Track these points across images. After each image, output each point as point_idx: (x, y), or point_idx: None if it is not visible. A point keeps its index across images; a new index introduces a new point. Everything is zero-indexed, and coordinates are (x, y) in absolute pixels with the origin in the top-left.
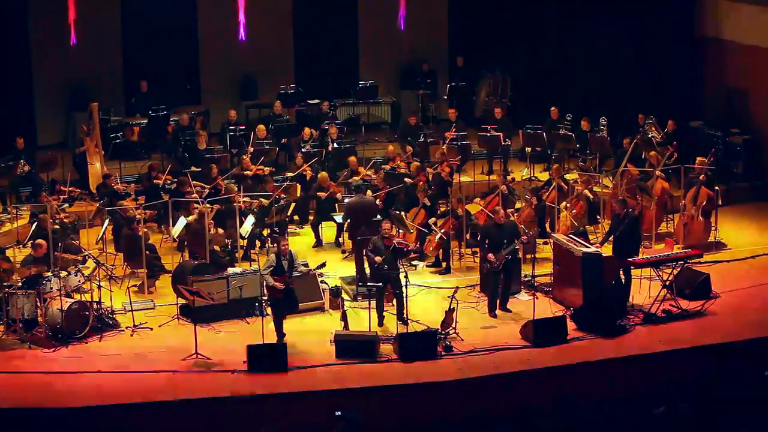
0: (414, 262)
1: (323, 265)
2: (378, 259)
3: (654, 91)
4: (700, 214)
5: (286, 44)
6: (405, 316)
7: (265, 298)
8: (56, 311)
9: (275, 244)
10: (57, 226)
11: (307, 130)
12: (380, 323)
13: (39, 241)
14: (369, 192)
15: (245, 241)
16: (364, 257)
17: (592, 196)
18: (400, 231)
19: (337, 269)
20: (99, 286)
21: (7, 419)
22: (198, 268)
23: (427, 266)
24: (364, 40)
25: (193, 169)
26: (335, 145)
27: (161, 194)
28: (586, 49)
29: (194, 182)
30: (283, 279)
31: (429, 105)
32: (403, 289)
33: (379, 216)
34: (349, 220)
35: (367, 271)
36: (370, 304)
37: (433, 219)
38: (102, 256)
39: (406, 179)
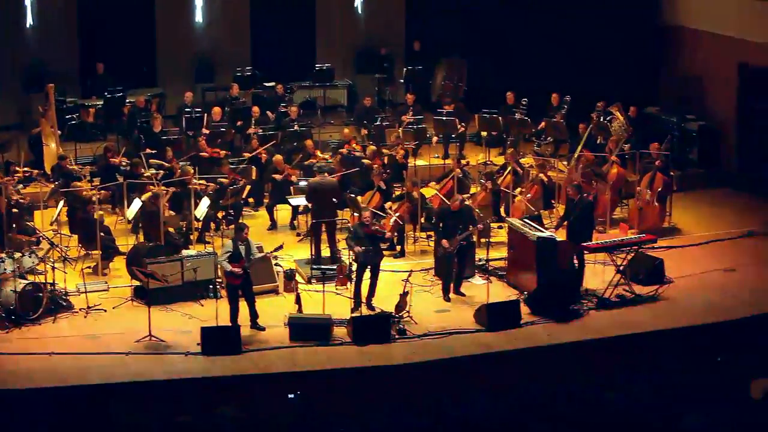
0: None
1: (281, 247)
2: (357, 248)
3: (611, 77)
4: (656, 199)
5: (243, 27)
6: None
7: (219, 280)
8: (10, 292)
9: (238, 231)
10: (15, 210)
11: (256, 109)
12: (355, 307)
13: None
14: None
15: (200, 223)
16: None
17: (547, 181)
18: (355, 214)
19: (292, 252)
20: (53, 268)
21: None
22: (152, 250)
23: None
24: (321, 23)
25: (149, 151)
26: (296, 126)
27: (116, 176)
28: (545, 34)
29: (153, 160)
30: (240, 265)
31: (385, 89)
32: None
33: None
34: (311, 202)
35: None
36: (324, 287)
37: (389, 203)
38: (56, 237)
39: (361, 162)
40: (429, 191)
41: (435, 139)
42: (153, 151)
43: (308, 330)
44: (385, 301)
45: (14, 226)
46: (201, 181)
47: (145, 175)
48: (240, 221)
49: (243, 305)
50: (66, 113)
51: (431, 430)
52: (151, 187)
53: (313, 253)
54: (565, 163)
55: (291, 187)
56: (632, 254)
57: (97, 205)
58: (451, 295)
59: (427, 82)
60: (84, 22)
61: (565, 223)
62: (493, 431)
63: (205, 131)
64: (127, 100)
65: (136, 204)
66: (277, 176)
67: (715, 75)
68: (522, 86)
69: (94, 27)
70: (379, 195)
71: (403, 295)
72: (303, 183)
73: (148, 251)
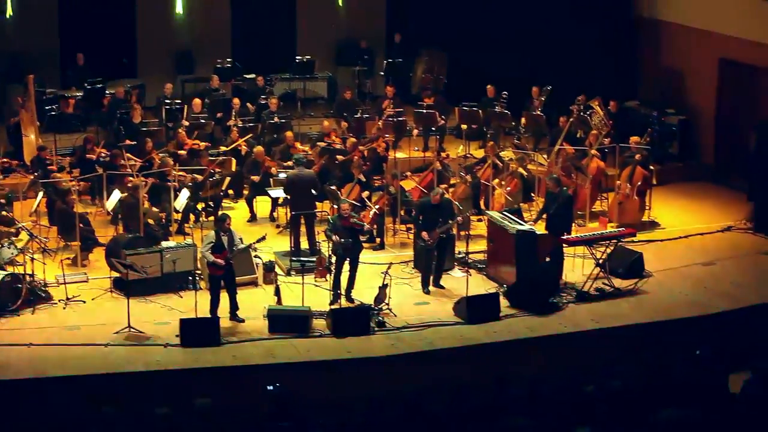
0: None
1: (263, 238)
2: (335, 238)
3: (591, 71)
4: (635, 193)
5: (224, 18)
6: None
7: (199, 272)
8: None
9: (220, 222)
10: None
11: (236, 101)
12: (334, 300)
13: None
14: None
15: (179, 215)
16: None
17: (526, 174)
18: (335, 206)
19: (271, 244)
20: (32, 259)
21: None
22: (132, 241)
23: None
24: (301, 15)
25: (128, 142)
26: (276, 119)
27: (96, 167)
28: (525, 27)
29: (129, 155)
30: (223, 256)
31: (365, 81)
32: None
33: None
34: (289, 195)
35: (304, 246)
36: (303, 279)
37: (367, 192)
38: (35, 228)
39: (341, 155)
40: (409, 184)
41: (415, 131)
42: (132, 143)
43: (287, 322)
44: (364, 293)
45: None
46: (180, 173)
47: (124, 165)
48: (221, 213)
49: (223, 297)
50: (46, 104)
51: (410, 422)
52: (131, 178)
53: (292, 245)
54: (545, 156)
55: (271, 179)
56: (612, 248)
57: (76, 197)
58: (431, 287)
59: (407, 75)
60: (64, 12)
61: (545, 216)
62: (473, 424)
63: (185, 123)
64: (107, 91)
65: (116, 195)
66: (255, 178)
67: (696, 70)
68: (502, 79)
69: (75, 18)
70: (358, 187)
71: (383, 288)
72: (282, 175)
73: (128, 243)
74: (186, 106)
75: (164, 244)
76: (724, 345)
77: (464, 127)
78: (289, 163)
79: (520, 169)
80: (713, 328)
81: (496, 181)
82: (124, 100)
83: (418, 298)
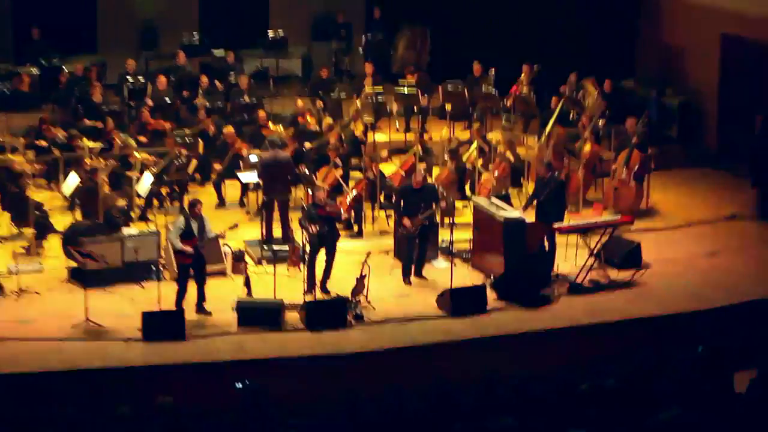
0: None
1: (236, 225)
2: (312, 228)
3: (584, 47)
4: (632, 178)
5: None
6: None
7: (163, 261)
8: None
9: (191, 207)
10: None
11: (204, 79)
12: (309, 291)
13: None
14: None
15: (142, 200)
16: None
17: (515, 158)
18: (310, 191)
19: (241, 232)
20: None
21: None
22: (90, 228)
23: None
24: None
25: (87, 122)
26: (246, 98)
27: (52, 149)
28: (514, 1)
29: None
30: (193, 243)
31: (343, 58)
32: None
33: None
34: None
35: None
36: (275, 269)
37: (340, 171)
38: None
39: (316, 137)
40: (389, 167)
41: (396, 111)
42: (92, 123)
43: (258, 315)
44: (341, 284)
45: None
46: (143, 155)
47: (83, 147)
48: (192, 197)
49: (190, 287)
50: None
51: (390, 423)
52: (90, 160)
53: (263, 232)
54: (535, 139)
55: (241, 162)
56: (607, 237)
57: (30, 180)
58: (412, 278)
59: (387, 52)
60: None
61: (535, 202)
62: (458, 424)
63: (149, 102)
64: (65, 68)
65: (73, 179)
66: (218, 166)
67: (697, 47)
68: (490, 56)
69: None
70: (335, 171)
71: (361, 278)
72: (254, 158)
73: (86, 230)
74: (150, 84)
75: (125, 231)
76: (729, 341)
77: (448, 107)
78: (257, 152)
79: (509, 153)
80: (716, 323)
81: (481, 162)
82: (83, 77)
83: (399, 290)
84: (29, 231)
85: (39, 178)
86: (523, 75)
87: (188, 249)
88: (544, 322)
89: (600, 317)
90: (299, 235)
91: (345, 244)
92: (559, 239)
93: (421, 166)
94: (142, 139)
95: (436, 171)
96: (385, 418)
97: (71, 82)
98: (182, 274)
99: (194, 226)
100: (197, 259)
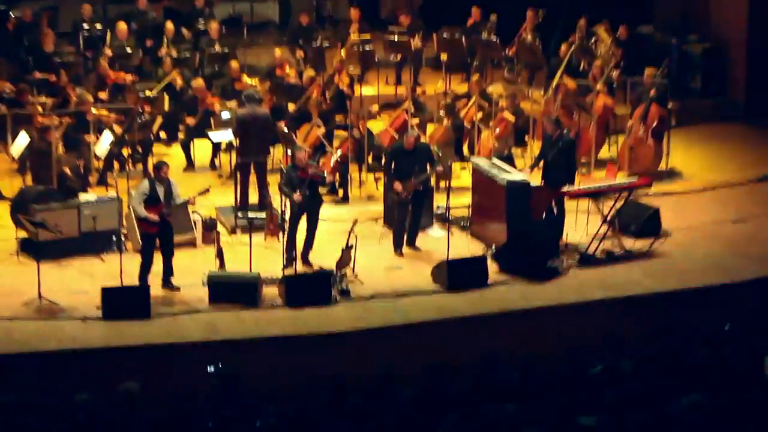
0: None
1: (207, 191)
2: (296, 196)
3: None
4: (650, 136)
5: None
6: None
7: (125, 231)
8: None
9: (156, 170)
10: None
11: (169, 26)
12: (289, 263)
13: None
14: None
15: (101, 162)
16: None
17: (518, 114)
18: (289, 152)
19: (213, 198)
20: None
21: None
22: (43, 194)
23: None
24: None
25: (38, 75)
26: (217, 48)
27: None
28: None
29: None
30: (158, 210)
31: (325, 2)
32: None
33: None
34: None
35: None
36: (251, 239)
37: (323, 129)
38: None
39: (296, 91)
40: (378, 125)
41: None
42: (43, 76)
43: (231, 290)
44: (324, 255)
45: None
46: (102, 112)
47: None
48: (153, 159)
49: (155, 259)
50: None
51: (379, 409)
52: (42, 118)
53: (238, 198)
54: (542, 92)
55: (212, 119)
56: (622, 202)
57: None
58: (404, 249)
59: None
60: None
61: (541, 163)
62: (453, 411)
63: (108, 52)
64: (12, 14)
65: (23, 139)
66: (191, 120)
67: None
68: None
69: None
70: (317, 130)
71: (347, 249)
72: (226, 114)
73: (38, 196)
74: (108, 31)
75: (82, 197)
76: (758, 319)
77: (444, 57)
78: (232, 103)
79: (506, 114)
80: (744, 298)
81: (481, 118)
82: (33, 23)
83: (390, 262)
84: None
85: None
86: (527, 21)
87: (153, 217)
88: (552, 297)
89: (614, 292)
90: (278, 201)
91: (329, 211)
92: (569, 204)
93: (414, 122)
94: (101, 94)
95: (430, 129)
96: (373, 404)
97: (19, 30)
98: (146, 245)
99: (160, 190)
100: (163, 228)
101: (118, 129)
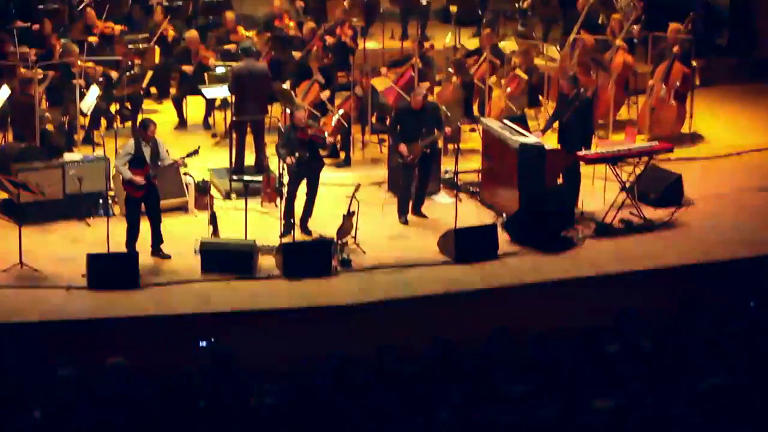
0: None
1: (196, 152)
2: (289, 160)
3: None
4: (672, 96)
5: None
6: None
7: (113, 193)
8: None
9: (142, 129)
10: None
11: None
12: (287, 231)
13: None
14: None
15: (87, 118)
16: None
17: (532, 72)
18: (288, 111)
19: (206, 158)
20: None
21: None
22: (24, 152)
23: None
24: None
25: (19, 23)
26: None
27: None
28: None
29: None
30: (144, 172)
31: None
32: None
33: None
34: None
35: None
36: (247, 204)
37: (328, 93)
38: None
39: (295, 44)
40: (383, 82)
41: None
42: (25, 24)
43: (226, 259)
44: (324, 223)
45: None
46: (89, 64)
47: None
48: (144, 117)
49: (144, 226)
50: None
51: (381, 387)
52: (24, 70)
53: (233, 160)
54: (557, 48)
55: (206, 74)
56: (642, 167)
57: None
58: (410, 216)
59: None
60: None
61: (556, 125)
62: (458, 390)
63: None
64: None
65: (4, 92)
66: (187, 68)
67: None
68: None
69: None
70: (318, 86)
71: (348, 216)
72: (221, 69)
73: (19, 154)
74: None
75: (67, 156)
76: None
77: (453, 9)
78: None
79: (519, 71)
80: None
81: (494, 79)
82: None
83: (394, 231)
84: None
85: None
86: None
87: (139, 179)
88: (566, 269)
89: (632, 264)
90: (275, 164)
91: (330, 175)
92: (585, 170)
93: (424, 86)
94: (92, 39)
95: (438, 88)
96: (376, 382)
97: None
98: (132, 210)
99: (146, 151)
100: (149, 192)
101: (114, 74)
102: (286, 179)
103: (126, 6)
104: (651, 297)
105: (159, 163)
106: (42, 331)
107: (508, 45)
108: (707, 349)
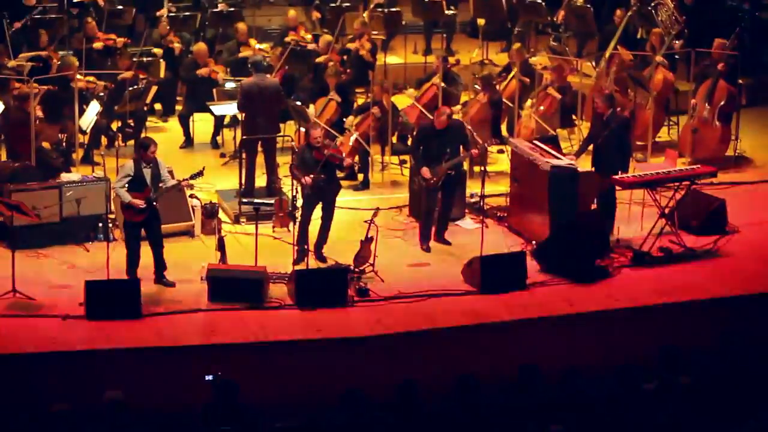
0: None
1: (200, 173)
2: (307, 180)
3: None
4: (716, 116)
5: None
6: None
7: (113, 216)
8: None
9: (142, 149)
10: None
11: None
12: (300, 258)
13: None
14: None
15: (87, 136)
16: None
17: (564, 91)
18: (303, 129)
19: (214, 180)
20: None
21: None
22: (19, 172)
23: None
24: None
25: (17, 25)
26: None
27: None
28: None
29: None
30: (144, 195)
31: None
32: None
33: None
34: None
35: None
36: (257, 228)
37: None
38: None
39: (311, 58)
40: (405, 100)
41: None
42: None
43: (234, 288)
44: (341, 249)
45: None
46: (89, 79)
47: (9, 66)
48: (143, 135)
49: (146, 251)
50: None
51: (400, 425)
52: (19, 84)
53: (243, 182)
54: (593, 64)
55: (214, 90)
56: (683, 192)
57: None
58: (432, 243)
59: None
60: None
61: (591, 147)
62: (486, 430)
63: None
64: None
65: None
66: (203, 71)
67: None
68: None
69: None
70: (335, 104)
71: (366, 242)
72: (231, 85)
73: (14, 174)
74: None
75: (64, 176)
76: None
77: (481, 22)
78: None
79: (551, 89)
80: None
81: (525, 97)
82: None
83: (415, 258)
84: None
85: None
86: None
87: (139, 203)
88: (600, 301)
89: (672, 296)
90: (289, 186)
91: (347, 199)
92: (621, 194)
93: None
94: (96, 45)
95: (462, 107)
96: (394, 420)
97: None
98: (131, 236)
99: (146, 173)
100: (150, 216)
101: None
102: (299, 203)
103: (129, 17)
104: (691, 331)
105: (160, 185)
106: (36, 363)
107: (540, 61)
108: (751, 387)
